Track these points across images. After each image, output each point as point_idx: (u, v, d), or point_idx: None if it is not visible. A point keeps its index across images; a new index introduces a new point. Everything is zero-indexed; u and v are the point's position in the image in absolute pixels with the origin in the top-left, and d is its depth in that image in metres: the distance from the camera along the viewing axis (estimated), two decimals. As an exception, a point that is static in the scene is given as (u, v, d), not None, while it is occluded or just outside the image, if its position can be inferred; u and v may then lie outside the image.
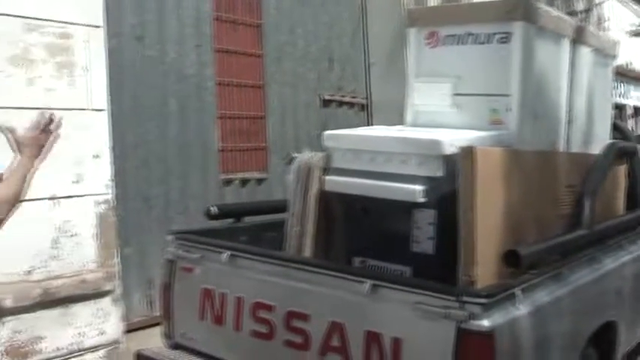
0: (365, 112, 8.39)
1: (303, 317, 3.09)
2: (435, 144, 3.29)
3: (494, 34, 3.65)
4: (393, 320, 2.82)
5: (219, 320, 3.45)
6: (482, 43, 3.69)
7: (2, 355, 4.43)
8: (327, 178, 3.65)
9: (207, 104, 6.49)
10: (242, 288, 3.39)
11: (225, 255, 3.45)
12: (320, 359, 3.02)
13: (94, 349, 4.95)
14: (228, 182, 6.71)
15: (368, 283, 2.87)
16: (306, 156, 3.78)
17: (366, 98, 8.41)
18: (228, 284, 3.45)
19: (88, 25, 4.97)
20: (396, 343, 2.78)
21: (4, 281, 4.32)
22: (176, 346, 3.66)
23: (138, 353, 3.70)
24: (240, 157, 6.90)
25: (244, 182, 6.87)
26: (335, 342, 2.96)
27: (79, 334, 4.86)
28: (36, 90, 4.68)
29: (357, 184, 3.49)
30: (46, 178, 4.64)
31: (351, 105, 8.20)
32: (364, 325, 2.88)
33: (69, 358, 4.81)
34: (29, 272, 4.63)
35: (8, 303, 4.40)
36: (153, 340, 3.92)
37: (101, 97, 5.07)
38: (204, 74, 6.48)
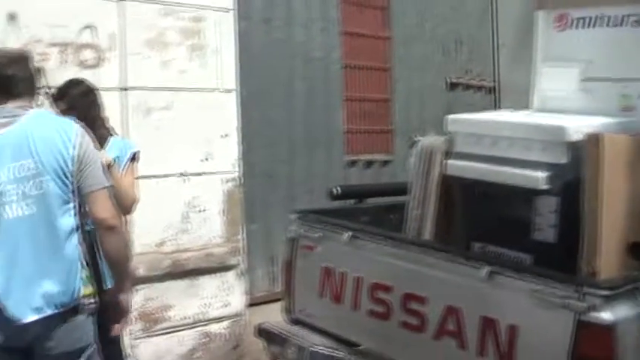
0: (492, 96, 8.22)
1: (420, 300, 3.10)
2: (560, 130, 3.20)
3: (629, 15, 3.49)
4: (510, 307, 2.78)
5: (337, 298, 3.52)
6: (615, 25, 3.54)
7: (136, 319, 4.70)
8: (449, 162, 3.63)
9: (333, 86, 6.56)
10: (361, 268, 3.42)
11: (347, 235, 3.49)
12: (435, 342, 3.02)
13: (218, 320, 5.16)
14: (353, 163, 6.78)
15: (486, 269, 2.84)
16: (429, 139, 3.77)
17: (494, 81, 8.22)
18: (348, 264, 3.49)
19: (219, 9, 5.14)
20: (512, 330, 2.75)
21: (139, 252, 4.56)
22: (295, 322, 3.76)
23: (259, 327, 3.82)
24: (365, 139, 6.94)
25: (369, 164, 6.91)
26: (450, 326, 2.96)
27: (205, 304, 5.08)
28: (170, 72, 4.89)
29: (479, 168, 3.45)
30: (177, 155, 4.91)
31: (478, 88, 8.06)
32: (481, 310, 2.86)
33: (195, 326, 5.04)
34: (161, 244, 4.87)
35: (141, 272, 4.65)
36: (273, 314, 4.04)
37: (230, 78, 5.23)
38: (331, 57, 6.55)
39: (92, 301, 2.76)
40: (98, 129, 3.72)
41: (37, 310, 2.59)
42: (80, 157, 2.68)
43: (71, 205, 2.69)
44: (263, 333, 3.79)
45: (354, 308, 3.42)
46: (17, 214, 2.61)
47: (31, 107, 2.76)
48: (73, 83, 3.82)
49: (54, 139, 2.67)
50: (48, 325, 2.62)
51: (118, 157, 3.69)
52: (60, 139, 2.67)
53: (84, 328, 2.72)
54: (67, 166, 2.65)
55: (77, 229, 2.71)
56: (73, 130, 2.72)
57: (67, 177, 2.66)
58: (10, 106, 2.70)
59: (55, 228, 2.65)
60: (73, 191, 2.68)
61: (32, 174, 2.62)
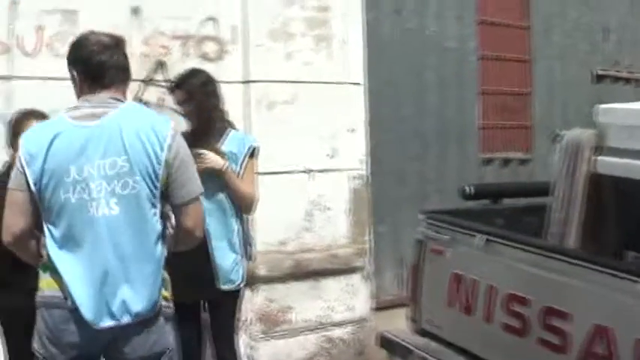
0: (644, 89, 7.57)
1: (563, 315, 2.73)
2: None
3: None
4: (675, 330, 2.38)
5: (468, 309, 3.20)
6: None
7: (255, 320, 4.55)
8: (599, 158, 3.22)
9: (467, 79, 6.18)
10: (496, 276, 3.11)
11: (479, 238, 3.18)
12: (580, 366, 2.65)
13: (341, 324, 4.94)
14: (488, 162, 6.37)
15: (644, 283, 2.44)
16: (575, 133, 3.37)
17: (646, 73, 7.57)
18: (480, 271, 3.19)
19: (346, -2, 4.92)
20: (677, 357, 2.34)
21: (260, 250, 4.40)
22: (421, 332, 3.47)
23: (381, 335, 3.56)
24: (502, 135, 6.51)
25: (506, 162, 6.48)
26: (599, 348, 2.58)
27: (328, 307, 4.87)
28: (294, 64, 4.71)
29: (635, 166, 3.03)
30: (301, 151, 4.71)
31: (627, 81, 7.41)
32: (636, 332, 2.46)
33: (316, 330, 4.83)
34: (283, 243, 4.70)
35: (262, 272, 4.50)
36: (401, 320, 3.76)
37: (358, 70, 5.01)
38: (466, 48, 6.17)
39: (169, 304, 2.60)
40: (216, 121, 3.58)
41: (115, 315, 2.43)
42: (170, 161, 2.47)
43: (158, 208, 2.50)
44: (385, 343, 3.53)
45: (486, 321, 3.09)
46: (104, 213, 2.44)
47: (125, 98, 2.59)
48: (193, 73, 3.70)
49: (148, 138, 2.46)
50: (126, 330, 2.46)
51: (234, 152, 3.53)
52: (155, 138, 2.46)
53: (161, 332, 2.54)
54: (157, 169, 2.46)
55: (162, 233, 2.53)
56: (168, 129, 2.51)
57: (156, 180, 2.46)
58: (103, 96, 2.53)
59: (143, 231, 2.47)
60: (159, 195, 2.49)
61: (123, 172, 2.43)
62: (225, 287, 3.50)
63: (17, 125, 3.29)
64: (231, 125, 3.71)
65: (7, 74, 3.96)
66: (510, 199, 4.06)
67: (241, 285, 3.59)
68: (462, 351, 3.22)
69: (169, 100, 4.03)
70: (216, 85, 3.67)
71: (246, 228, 3.65)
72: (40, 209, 2.47)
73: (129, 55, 2.63)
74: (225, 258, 3.48)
